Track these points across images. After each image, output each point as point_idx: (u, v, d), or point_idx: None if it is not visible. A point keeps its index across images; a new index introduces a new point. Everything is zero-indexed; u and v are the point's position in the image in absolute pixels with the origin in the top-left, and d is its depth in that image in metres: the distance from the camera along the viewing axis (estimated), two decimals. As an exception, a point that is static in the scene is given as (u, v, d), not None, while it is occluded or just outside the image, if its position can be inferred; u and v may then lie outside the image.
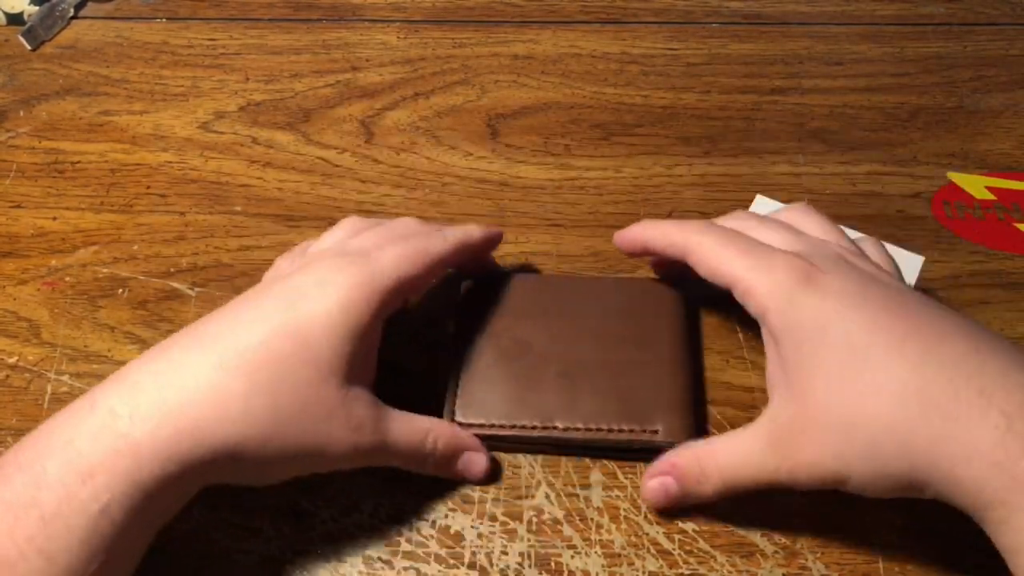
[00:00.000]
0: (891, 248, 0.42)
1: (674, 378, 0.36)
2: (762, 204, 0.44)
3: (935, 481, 0.27)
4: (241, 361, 0.30)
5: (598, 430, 0.35)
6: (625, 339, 0.37)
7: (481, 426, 0.35)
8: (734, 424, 0.37)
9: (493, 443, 0.36)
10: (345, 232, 0.37)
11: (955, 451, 0.26)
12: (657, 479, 0.33)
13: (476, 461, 0.35)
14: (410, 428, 0.33)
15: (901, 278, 0.34)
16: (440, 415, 0.36)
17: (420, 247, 0.35)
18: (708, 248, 0.33)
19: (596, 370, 0.36)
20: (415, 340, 0.40)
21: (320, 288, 0.32)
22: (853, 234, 0.37)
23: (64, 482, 0.27)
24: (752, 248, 0.32)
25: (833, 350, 0.29)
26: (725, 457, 0.31)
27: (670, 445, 0.34)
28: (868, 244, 0.35)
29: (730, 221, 0.36)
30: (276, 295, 0.32)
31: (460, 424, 0.35)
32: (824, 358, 0.29)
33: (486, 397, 0.36)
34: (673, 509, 0.34)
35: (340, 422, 0.31)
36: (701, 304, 0.41)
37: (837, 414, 0.28)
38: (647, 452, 0.35)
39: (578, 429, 0.35)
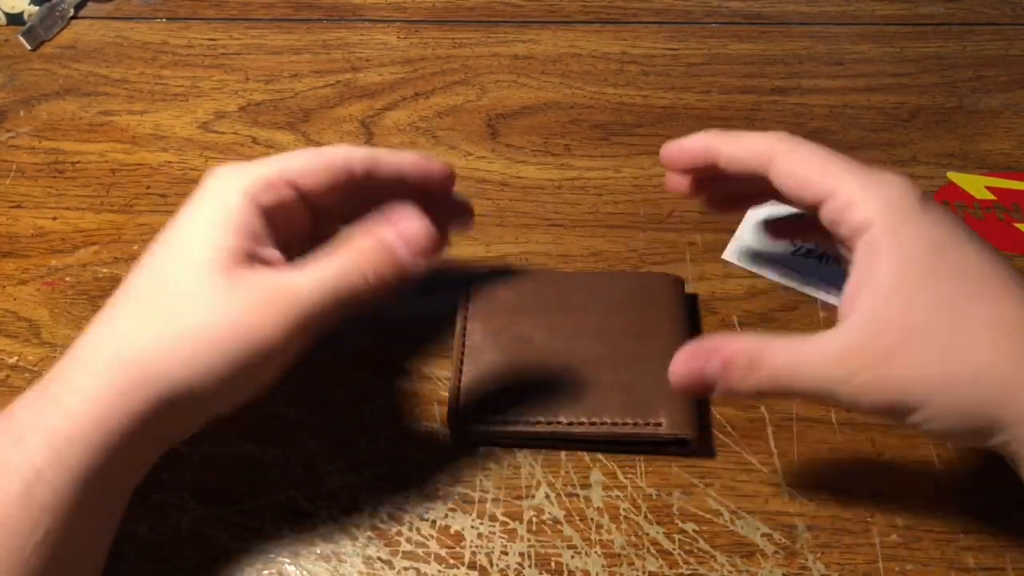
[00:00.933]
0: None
1: None
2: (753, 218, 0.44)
3: (1013, 424, 0.26)
4: (127, 293, 0.30)
5: (602, 424, 0.35)
6: (626, 332, 0.37)
7: (485, 422, 0.36)
8: (734, 424, 0.37)
9: (498, 439, 0.36)
10: None
11: None
12: (698, 358, 0.29)
13: (409, 230, 0.31)
14: (329, 266, 0.30)
15: None
16: (445, 415, 0.36)
17: (321, 149, 0.32)
18: (806, 154, 0.31)
19: (598, 364, 0.36)
20: (417, 340, 0.40)
21: (192, 196, 0.31)
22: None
23: (1, 449, 0.27)
24: (856, 163, 0.30)
25: (946, 274, 0.28)
26: (786, 355, 0.29)
27: (674, 437, 0.34)
28: None
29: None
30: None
31: (466, 423, 0.36)
32: (935, 280, 0.28)
33: (490, 395, 0.36)
34: (696, 392, 0.31)
35: (241, 304, 0.29)
36: (701, 300, 0.41)
37: (944, 337, 0.27)
38: (651, 445, 0.35)
39: (582, 423, 0.35)
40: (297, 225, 0.33)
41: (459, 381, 0.37)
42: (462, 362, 0.37)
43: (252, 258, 0.30)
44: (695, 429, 0.35)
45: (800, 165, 0.31)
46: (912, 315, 0.27)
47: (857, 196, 0.29)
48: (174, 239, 0.31)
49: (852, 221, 0.29)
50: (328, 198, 0.33)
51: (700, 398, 0.37)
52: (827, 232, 0.32)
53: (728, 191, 0.36)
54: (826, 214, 0.30)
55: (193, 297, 0.29)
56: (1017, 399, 0.26)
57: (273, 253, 0.31)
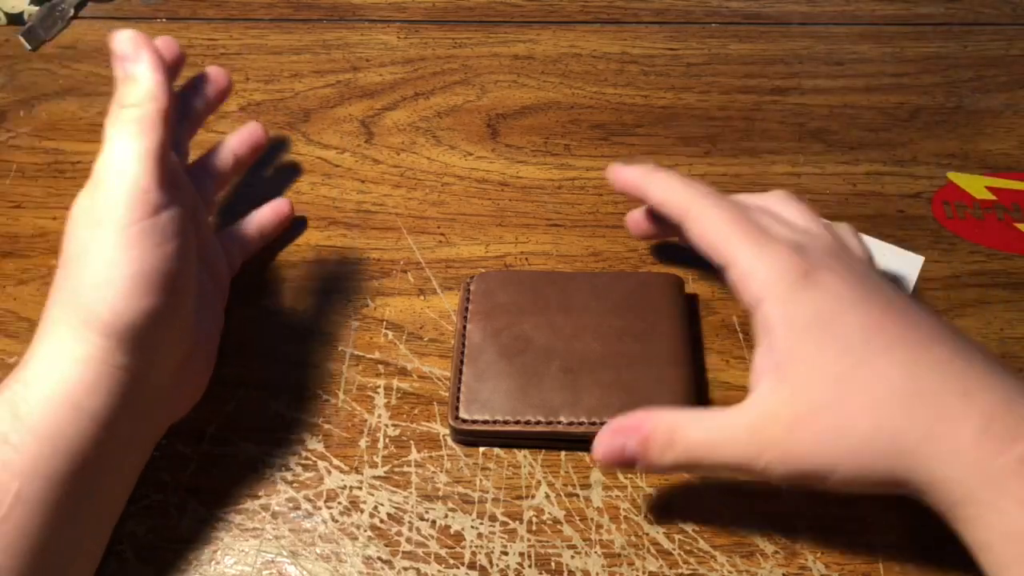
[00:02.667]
0: (891, 248, 0.43)
1: (675, 370, 0.36)
2: None
3: (916, 479, 0.28)
4: (63, 255, 0.31)
5: (602, 423, 0.34)
6: (625, 333, 0.37)
7: (486, 422, 0.36)
8: (734, 424, 0.37)
9: (498, 439, 0.36)
10: None
11: (938, 450, 0.27)
12: (619, 437, 0.31)
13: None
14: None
15: (874, 265, 0.34)
16: (445, 415, 0.37)
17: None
18: (711, 220, 0.32)
19: (598, 364, 0.36)
20: (417, 340, 0.40)
21: (107, 153, 0.32)
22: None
23: None
24: (754, 231, 0.32)
25: (830, 348, 0.29)
26: (700, 433, 0.30)
27: None
28: (844, 232, 0.35)
29: None
30: None
31: (464, 421, 0.36)
32: (821, 355, 0.29)
33: (490, 394, 0.36)
34: (619, 467, 0.33)
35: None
36: (700, 300, 0.41)
37: (833, 411, 0.29)
38: None
39: (582, 423, 0.35)
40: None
41: (459, 381, 0.37)
42: (462, 362, 0.37)
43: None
44: None
45: (706, 231, 0.32)
46: (805, 391, 0.29)
47: (750, 269, 0.31)
48: (96, 201, 0.31)
49: (748, 293, 0.31)
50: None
51: (700, 396, 0.37)
52: None
53: (662, 223, 0.39)
54: (730, 279, 0.32)
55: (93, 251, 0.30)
56: (906, 457, 0.28)
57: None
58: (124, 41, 0.33)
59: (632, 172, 0.37)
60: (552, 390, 0.36)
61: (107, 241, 0.30)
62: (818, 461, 0.29)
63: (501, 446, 0.36)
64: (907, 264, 0.42)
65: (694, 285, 0.41)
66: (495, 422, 0.36)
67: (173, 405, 0.35)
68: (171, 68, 0.36)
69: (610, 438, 0.31)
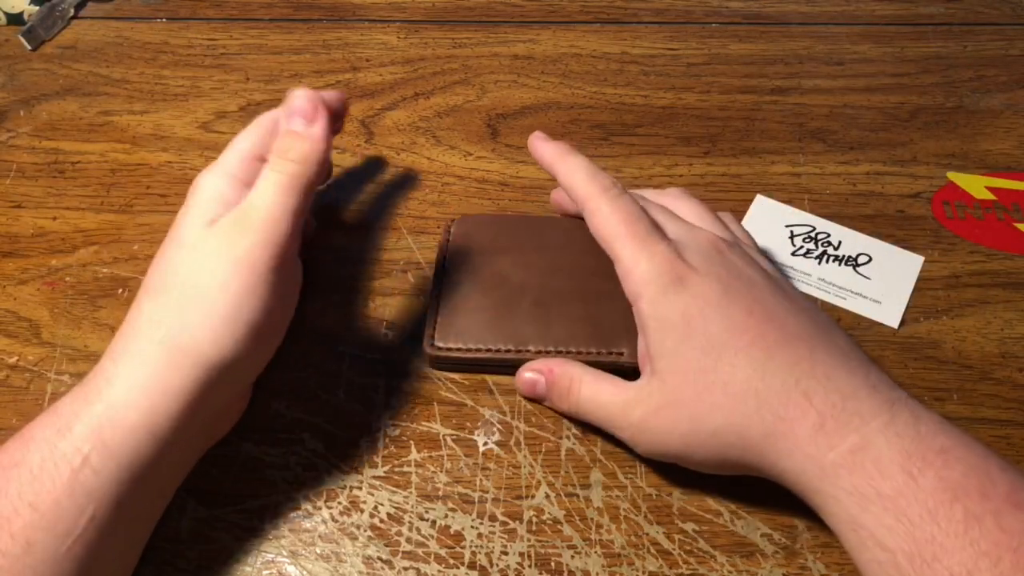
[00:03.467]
0: (891, 248, 0.43)
1: None
2: (762, 204, 0.44)
3: (765, 469, 0.31)
4: (151, 285, 0.32)
5: (568, 352, 0.37)
6: (596, 272, 0.39)
7: (459, 349, 0.38)
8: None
9: (471, 365, 0.38)
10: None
11: (780, 445, 0.30)
12: (533, 374, 0.37)
13: (294, 103, 0.34)
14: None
15: (759, 251, 0.37)
16: (445, 415, 0.37)
17: (258, 120, 0.36)
18: (602, 217, 0.34)
19: (568, 299, 0.39)
20: (417, 341, 0.40)
21: (262, 200, 0.33)
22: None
23: (47, 440, 0.29)
24: (640, 230, 0.34)
25: (693, 347, 0.32)
26: (588, 392, 0.35)
27: (634, 366, 0.36)
28: (729, 222, 0.38)
29: None
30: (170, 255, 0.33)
31: (439, 348, 0.38)
32: (685, 353, 0.32)
33: (464, 324, 0.38)
34: (531, 398, 0.38)
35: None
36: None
37: (690, 404, 0.32)
38: (613, 372, 0.36)
39: (549, 352, 0.37)
40: None
41: (436, 312, 0.39)
42: (440, 295, 0.39)
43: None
44: None
45: (598, 226, 0.35)
46: (668, 385, 0.32)
47: (630, 268, 0.33)
48: (181, 233, 0.33)
49: (628, 290, 0.34)
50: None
51: None
52: None
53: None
54: (617, 272, 0.34)
55: (202, 275, 0.31)
56: (752, 451, 0.31)
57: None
58: (303, 99, 0.35)
59: (547, 150, 0.38)
60: (523, 322, 0.38)
61: (239, 282, 0.31)
62: (674, 445, 0.32)
63: (473, 372, 0.38)
64: (907, 264, 0.42)
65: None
66: (468, 349, 0.38)
67: (220, 427, 0.36)
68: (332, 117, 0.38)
69: (527, 376, 0.37)
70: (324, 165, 0.34)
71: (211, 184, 0.34)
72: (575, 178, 0.36)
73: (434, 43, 0.53)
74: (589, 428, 0.37)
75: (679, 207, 0.37)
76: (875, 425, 0.29)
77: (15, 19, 0.56)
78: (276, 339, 0.34)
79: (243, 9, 0.56)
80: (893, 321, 0.40)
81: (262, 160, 0.34)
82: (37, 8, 0.55)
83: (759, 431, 0.30)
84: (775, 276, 0.35)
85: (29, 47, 0.54)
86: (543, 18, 0.55)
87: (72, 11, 0.56)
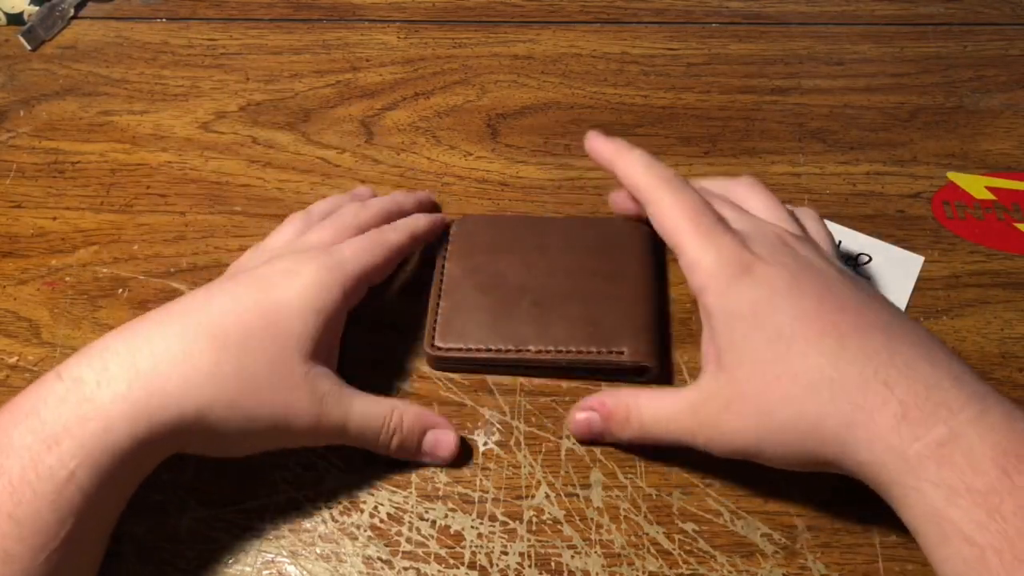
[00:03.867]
0: (891, 248, 0.43)
1: (640, 307, 0.39)
2: None
3: (842, 462, 0.30)
4: (212, 332, 0.31)
5: (567, 352, 0.37)
6: (596, 272, 0.39)
7: (459, 350, 0.38)
8: (734, 424, 0.37)
9: (470, 365, 0.38)
10: (295, 228, 0.39)
11: (859, 436, 0.29)
12: (585, 413, 0.35)
13: (444, 440, 0.36)
14: (374, 406, 0.35)
15: (838, 252, 0.36)
16: (445, 415, 0.37)
17: (378, 239, 0.37)
18: (666, 209, 0.34)
19: (568, 300, 0.39)
20: (418, 341, 0.40)
21: (288, 276, 0.34)
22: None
23: (30, 449, 0.28)
24: (705, 222, 0.33)
25: (762, 337, 0.31)
26: (649, 412, 0.34)
27: (634, 365, 0.37)
28: (807, 218, 0.37)
29: None
30: (246, 281, 0.34)
31: (439, 348, 0.38)
32: (753, 344, 0.31)
33: (464, 324, 0.38)
34: (587, 441, 0.36)
35: (304, 394, 0.32)
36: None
37: (759, 396, 0.31)
38: (613, 372, 0.38)
39: (549, 352, 0.37)
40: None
41: (436, 312, 0.39)
42: (440, 295, 0.39)
43: (326, 353, 0.34)
44: (656, 359, 0.37)
45: (661, 219, 0.34)
46: (738, 378, 0.31)
47: (695, 260, 0.33)
48: (268, 315, 0.33)
49: (693, 282, 0.33)
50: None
51: (662, 332, 0.39)
52: None
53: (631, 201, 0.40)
54: (681, 266, 0.34)
55: (253, 365, 0.32)
56: (829, 443, 0.30)
57: (334, 354, 0.36)
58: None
59: (606, 146, 0.38)
60: (523, 322, 0.38)
61: (254, 358, 0.32)
62: (747, 441, 0.31)
63: (474, 372, 0.38)
64: (907, 264, 0.42)
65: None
66: (468, 350, 0.38)
67: None
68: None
69: (580, 417, 0.36)
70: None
71: (326, 285, 0.34)
72: (635, 171, 0.36)
73: (434, 43, 0.53)
74: (589, 428, 0.37)
75: (748, 199, 0.37)
76: (964, 417, 0.28)
77: (15, 19, 0.56)
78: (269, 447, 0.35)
79: (243, 9, 0.56)
80: None
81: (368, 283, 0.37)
82: (37, 8, 0.55)
83: (836, 421, 0.29)
84: (846, 271, 0.34)
85: (29, 47, 0.54)
86: (543, 18, 0.55)
87: (72, 11, 0.55)
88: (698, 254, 0.33)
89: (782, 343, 0.30)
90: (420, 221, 0.40)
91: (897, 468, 0.28)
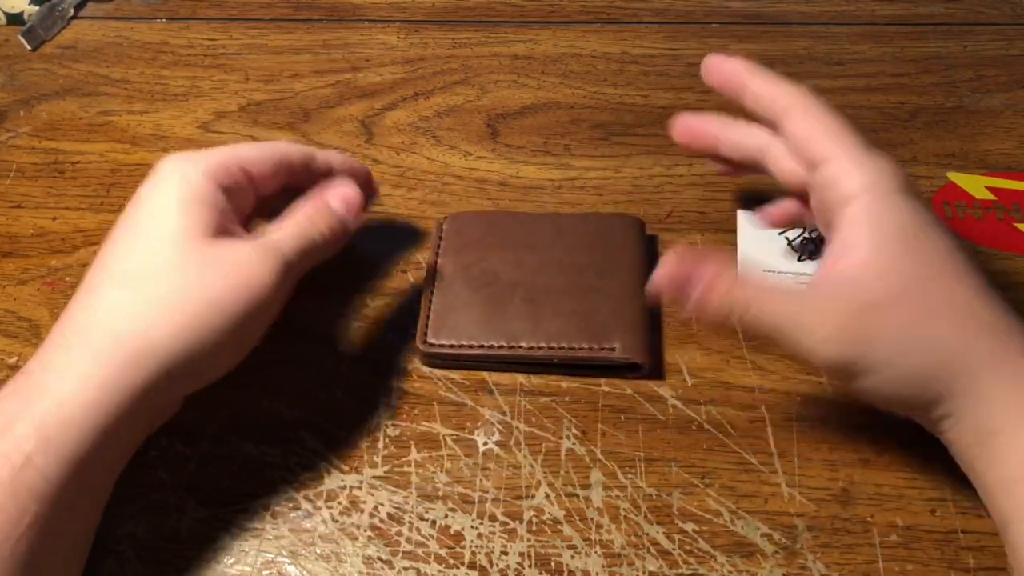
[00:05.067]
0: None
1: (632, 302, 0.39)
2: (745, 219, 0.43)
3: (953, 396, 0.29)
4: (111, 274, 0.31)
5: (559, 348, 0.37)
6: (587, 268, 0.40)
7: (452, 346, 0.38)
8: (734, 424, 0.37)
9: (464, 361, 0.38)
10: None
11: (983, 372, 0.29)
12: (688, 264, 0.31)
13: (345, 194, 0.37)
14: (292, 226, 0.35)
15: None
16: (446, 415, 0.37)
17: (264, 143, 0.37)
18: (816, 117, 0.33)
19: (559, 295, 0.39)
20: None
21: (152, 181, 0.33)
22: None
23: None
24: (859, 135, 0.33)
25: (914, 256, 0.30)
26: (764, 289, 0.31)
27: (626, 361, 0.37)
28: None
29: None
30: (125, 213, 0.33)
31: (431, 345, 0.38)
32: (905, 258, 0.30)
33: (456, 321, 0.39)
34: (670, 292, 0.32)
35: (232, 274, 0.32)
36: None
37: (906, 309, 0.29)
38: (605, 368, 0.38)
39: (541, 348, 0.38)
40: (246, 209, 0.36)
41: (429, 310, 0.39)
42: (432, 292, 0.40)
43: (224, 230, 0.33)
44: (647, 355, 0.37)
45: (811, 125, 0.33)
46: (886, 284, 0.30)
47: (850, 168, 0.32)
48: (145, 218, 0.32)
49: (841, 189, 0.32)
50: (270, 185, 0.36)
51: (653, 328, 0.39)
52: (811, 207, 0.35)
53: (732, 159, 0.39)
54: (819, 177, 0.33)
55: (179, 270, 0.31)
56: (961, 374, 0.29)
57: (238, 228, 0.34)
58: (356, 195, 0.37)
59: (732, 63, 0.36)
60: (515, 318, 0.38)
61: (226, 311, 0.31)
62: (876, 350, 0.29)
63: (466, 368, 0.39)
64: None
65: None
66: (460, 346, 0.38)
67: (163, 417, 0.35)
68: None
69: (679, 262, 0.31)
70: (332, 253, 0.36)
71: (183, 174, 0.33)
72: (776, 83, 0.35)
73: (434, 43, 0.53)
74: (589, 428, 0.37)
75: None
76: None
77: (15, 19, 0.56)
78: (244, 350, 0.34)
79: (243, 9, 0.56)
80: None
81: (246, 175, 0.35)
82: (37, 8, 0.55)
83: (968, 355, 0.29)
84: None
85: (29, 47, 0.54)
86: (543, 18, 0.55)
87: (72, 11, 0.56)
88: (857, 161, 0.32)
89: (933, 267, 0.30)
90: (332, 154, 0.39)
91: (1015, 411, 0.28)
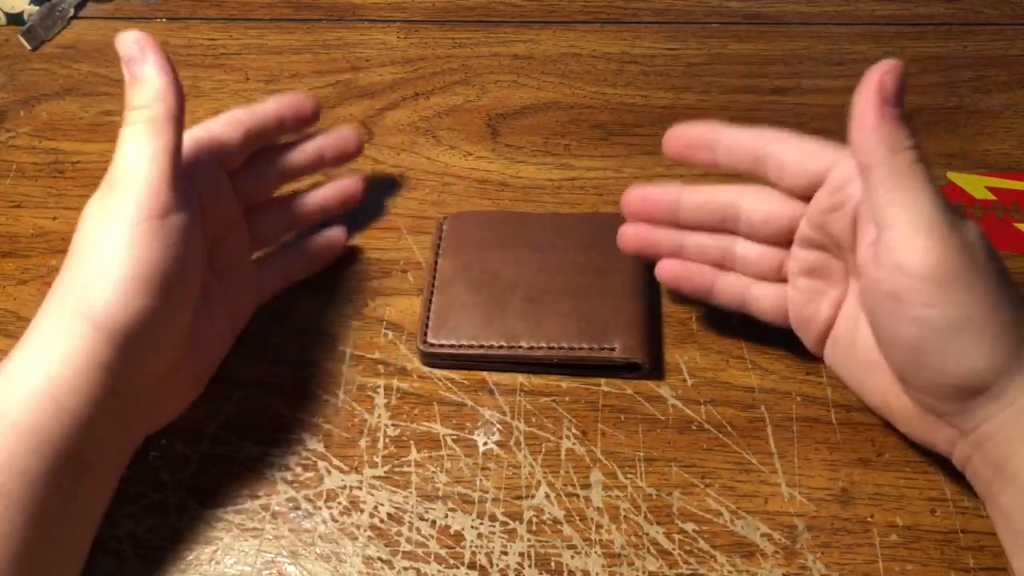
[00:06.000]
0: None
1: (632, 303, 0.39)
2: None
3: (997, 382, 0.29)
4: (79, 241, 0.32)
5: (559, 348, 0.37)
6: (587, 268, 0.40)
7: (452, 346, 0.38)
8: (734, 424, 0.37)
9: (464, 362, 0.38)
10: None
11: (1010, 387, 0.29)
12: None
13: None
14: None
15: None
16: (446, 415, 0.37)
17: (215, 117, 0.37)
18: (792, 142, 0.34)
19: (559, 296, 0.39)
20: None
21: (120, 153, 0.33)
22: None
23: None
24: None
25: (975, 257, 0.29)
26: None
27: (626, 362, 0.37)
28: None
29: None
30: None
31: (431, 345, 0.38)
32: (966, 249, 0.29)
33: (456, 322, 0.39)
34: (879, 103, 0.32)
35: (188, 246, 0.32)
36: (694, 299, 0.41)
37: (972, 285, 0.29)
38: (605, 368, 0.38)
39: (541, 348, 0.38)
40: (223, 193, 0.37)
41: (428, 310, 0.39)
42: (432, 293, 0.40)
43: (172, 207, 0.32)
44: (647, 355, 0.37)
45: (804, 141, 0.34)
46: (952, 257, 0.29)
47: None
48: (107, 199, 0.32)
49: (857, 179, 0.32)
50: (236, 156, 0.37)
51: (653, 328, 0.39)
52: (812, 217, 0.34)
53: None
54: (834, 179, 0.33)
55: (99, 245, 0.31)
56: (1000, 347, 0.29)
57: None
58: (129, 43, 0.34)
59: (693, 130, 0.37)
60: (515, 318, 0.38)
61: (112, 237, 0.31)
62: (936, 320, 0.29)
63: (466, 368, 0.38)
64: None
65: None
66: (460, 346, 0.38)
67: (154, 413, 0.34)
68: (304, 120, 0.40)
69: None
70: (172, 100, 0.33)
71: (138, 155, 0.33)
72: (743, 135, 0.36)
73: (434, 43, 0.53)
74: (589, 428, 0.37)
75: None
76: None
77: (15, 19, 0.56)
78: (183, 296, 0.32)
79: (243, 9, 0.56)
80: None
81: (217, 162, 0.36)
82: (37, 8, 0.55)
83: (1010, 354, 0.29)
84: None
85: (29, 47, 0.54)
86: (543, 18, 0.55)
87: (72, 11, 0.56)
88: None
89: (993, 274, 0.29)
90: (322, 138, 0.40)
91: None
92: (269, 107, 0.39)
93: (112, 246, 0.30)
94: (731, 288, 0.37)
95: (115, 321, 0.30)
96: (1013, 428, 0.29)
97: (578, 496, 0.35)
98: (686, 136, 0.37)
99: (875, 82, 0.31)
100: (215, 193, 0.36)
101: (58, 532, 0.29)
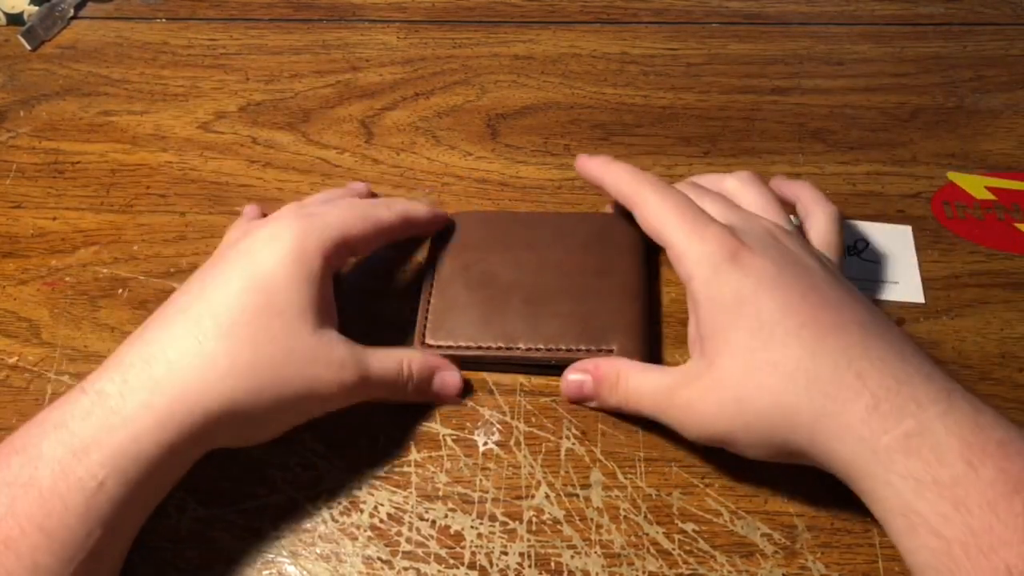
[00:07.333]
0: (879, 226, 0.43)
1: (630, 304, 0.39)
2: None
3: (813, 452, 0.30)
4: (217, 324, 0.32)
5: (557, 349, 0.37)
6: (586, 269, 0.40)
7: (448, 347, 0.38)
8: (734, 424, 0.37)
9: (461, 362, 0.38)
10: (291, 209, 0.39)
11: (831, 426, 0.29)
12: (579, 375, 0.37)
13: (449, 379, 0.37)
14: (387, 358, 0.36)
15: (842, 253, 0.37)
16: (445, 416, 0.37)
17: (365, 211, 0.38)
18: (652, 207, 0.35)
19: (558, 296, 0.39)
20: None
21: (270, 243, 0.34)
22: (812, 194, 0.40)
23: (59, 460, 0.28)
24: (690, 215, 0.34)
25: (743, 325, 0.31)
26: (635, 383, 0.35)
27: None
28: (817, 218, 0.38)
29: (678, 186, 0.38)
30: (232, 258, 0.34)
31: (428, 346, 0.38)
32: (734, 331, 0.31)
33: (455, 322, 0.39)
34: (577, 402, 0.37)
35: (323, 363, 0.33)
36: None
37: (737, 384, 0.31)
38: None
39: (539, 349, 0.38)
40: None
41: (427, 310, 0.39)
42: (431, 293, 0.40)
43: (327, 316, 0.34)
44: (645, 356, 0.37)
45: (647, 217, 0.35)
46: (717, 364, 0.32)
47: (683, 250, 0.33)
48: (256, 279, 0.33)
49: (681, 272, 0.34)
50: (367, 251, 0.40)
51: (651, 329, 0.39)
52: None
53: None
54: (671, 260, 0.34)
55: (285, 352, 0.32)
56: (801, 433, 0.30)
57: (332, 306, 0.35)
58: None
59: (592, 163, 0.39)
60: (513, 319, 0.38)
61: (277, 346, 0.32)
62: (720, 428, 0.32)
63: (465, 369, 0.38)
64: (900, 237, 0.43)
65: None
66: (458, 347, 0.38)
67: None
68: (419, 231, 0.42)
69: (573, 377, 0.37)
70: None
71: (306, 252, 0.34)
72: (622, 180, 0.37)
73: (434, 43, 0.53)
74: (589, 428, 0.37)
75: (741, 193, 0.38)
76: (933, 412, 0.28)
77: (15, 19, 0.56)
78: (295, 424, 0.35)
79: (243, 9, 0.56)
80: (917, 296, 0.41)
81: (352, 251, 0.37)
82: (37, 8, 0.55)
83: (809, 412, 0.30)
84: (832, 268, 0.35)
85: (29, 47, 0.54)
86: (543, 18, 0.55)
87: (72, 11, 0.56)
88: (685, 244, 0.33)
89: (763, 333, 0.31)
90: (418, 207, 0.40)
91: (866, 460, 0.29)
92: (406, 215, 0.40)
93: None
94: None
95: (240, 425, 0.32)
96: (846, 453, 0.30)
97: (578, 496, 0.35)
98: (583, 168, 0.40)
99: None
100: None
101: (119, 557, 0.31)
